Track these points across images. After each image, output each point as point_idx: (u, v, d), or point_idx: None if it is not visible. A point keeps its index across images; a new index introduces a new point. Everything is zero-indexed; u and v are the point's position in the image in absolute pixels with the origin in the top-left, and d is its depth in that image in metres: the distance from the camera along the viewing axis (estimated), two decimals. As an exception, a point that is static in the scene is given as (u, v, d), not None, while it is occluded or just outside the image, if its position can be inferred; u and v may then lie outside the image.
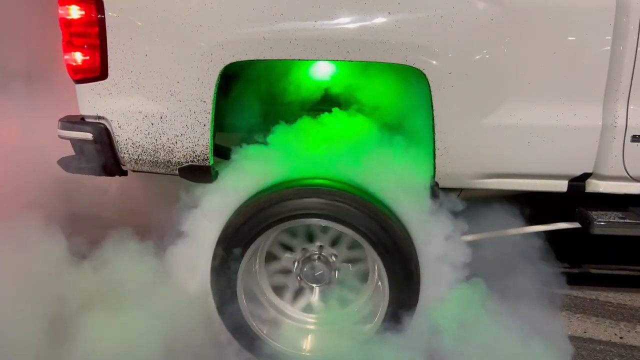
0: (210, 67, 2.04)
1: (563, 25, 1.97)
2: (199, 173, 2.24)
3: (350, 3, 1.96)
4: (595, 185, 2.18)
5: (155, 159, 2.24)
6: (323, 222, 2.09)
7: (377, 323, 2.14)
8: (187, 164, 2.22)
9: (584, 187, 2.19)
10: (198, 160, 2.20)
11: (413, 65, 1.98)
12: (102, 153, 2.24)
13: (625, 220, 2.15)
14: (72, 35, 2.13)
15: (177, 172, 2.27)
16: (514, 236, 2.41)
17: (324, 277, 2.26)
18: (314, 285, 2.29)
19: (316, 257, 2.26)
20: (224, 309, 2.19)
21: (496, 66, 2.00)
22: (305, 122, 2.25)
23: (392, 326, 2.11)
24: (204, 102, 2.10)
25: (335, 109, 2.28)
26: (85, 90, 2.18)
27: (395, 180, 2.14)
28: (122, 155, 2.25)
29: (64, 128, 2.27)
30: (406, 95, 2.18)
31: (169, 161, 2.23)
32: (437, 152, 2.10)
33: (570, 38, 1.98)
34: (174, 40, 2.05)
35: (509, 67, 2.00)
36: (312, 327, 2.29)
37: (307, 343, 2.22)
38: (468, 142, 2.09)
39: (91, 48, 2.11)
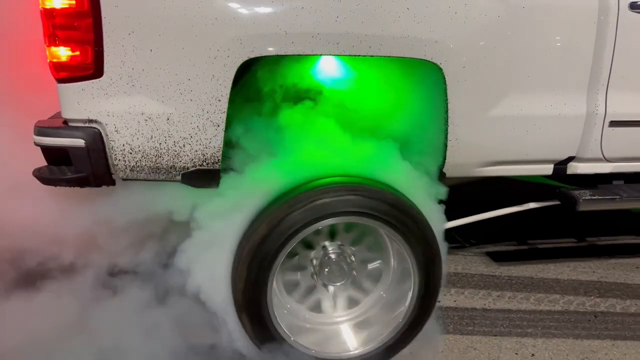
0: (228, 63, 1.91)
1: (557, 22, 2.16)
2: (205, 178, 2.09)
3: (373, -3, 1.96)
4: (575, 168, 2.43)
5: (157, 165, 2.04)
6: (356, 219, 2.06)
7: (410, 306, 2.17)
8: (194, 169, 2.06)
9: (566, 169, 2.43)
10: (207, 164, 2.05)
11: (431, 60, 2.04)
12: (94, 161, 1.98)
13: (605, 197, 2.42)
14: (57, 27, 1.85)
15: (179, 178, 2.09)
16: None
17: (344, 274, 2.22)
18: (335, 284, 2.25)
19: (333, 255, 2.22)
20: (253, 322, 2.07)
21: (502, 60, 2.13)
22: (315, 119, 2.21)
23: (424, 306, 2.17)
24: (219, 100, 1.95)
25: (343, 104, 2.26)
26: (74, 91, 1.91)
27: (409, 174, 2.19)
28: (115, 162, 2.01)
29: (44, 134, 1.97)
30: (414, 90, 2.23)
31: (172, 166, 2.05)
32: (448, 143, 2.18)
33: (562, 34, 2.18)
34: (185, 34, 1.87)
35: (512, 62, 2.14)
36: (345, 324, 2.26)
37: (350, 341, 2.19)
38: (476, 133, 2.20)
39: (82, 43, 1.86)
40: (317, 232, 2.13)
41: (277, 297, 2.15)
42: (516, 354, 2.42)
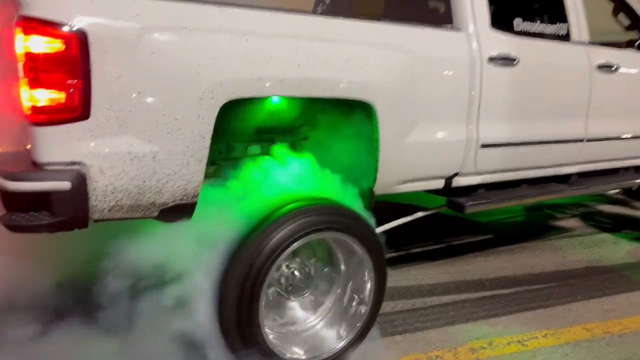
0: (211, 104, 2.10)
1: (444, 70, 2.83)
2: (182, 211, 2.21)
3: (322, 49, 2.36)
4: (457, 181, 3.12)
5: (138, 203, 2.10)
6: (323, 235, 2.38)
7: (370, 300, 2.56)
8: (173, 204, 2.17)
9: (452, 183, 3.11)
10: (187, 198, 2.18)
11: (367, 100, 2.51)
12: (77, 204, 1.97)
13: (481, 201, 3.15)
14: (41, 71, 1.85)
15: (155, 214, 2.17)
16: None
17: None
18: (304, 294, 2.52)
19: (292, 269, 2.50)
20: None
21: (412, 98, 2.70)
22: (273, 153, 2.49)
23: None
24: (204, 137, 2.12)
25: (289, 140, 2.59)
26: (57, 134, 1.90)
27: (353, 194, 2.61)
28: (95, 203, 2.02)
29: (20, 179, 1.89)
30: (346, 125, 2.66)
31: (153, 203, 2.13)
32: (379, 166, 2.66)
33: (448, 79, 2.85)
34: (172, 78, 2.02)
35: (418, 99, 2.73)
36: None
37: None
38: (398, 157, 2.72)
39: (70, 86, 1.88)
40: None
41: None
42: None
